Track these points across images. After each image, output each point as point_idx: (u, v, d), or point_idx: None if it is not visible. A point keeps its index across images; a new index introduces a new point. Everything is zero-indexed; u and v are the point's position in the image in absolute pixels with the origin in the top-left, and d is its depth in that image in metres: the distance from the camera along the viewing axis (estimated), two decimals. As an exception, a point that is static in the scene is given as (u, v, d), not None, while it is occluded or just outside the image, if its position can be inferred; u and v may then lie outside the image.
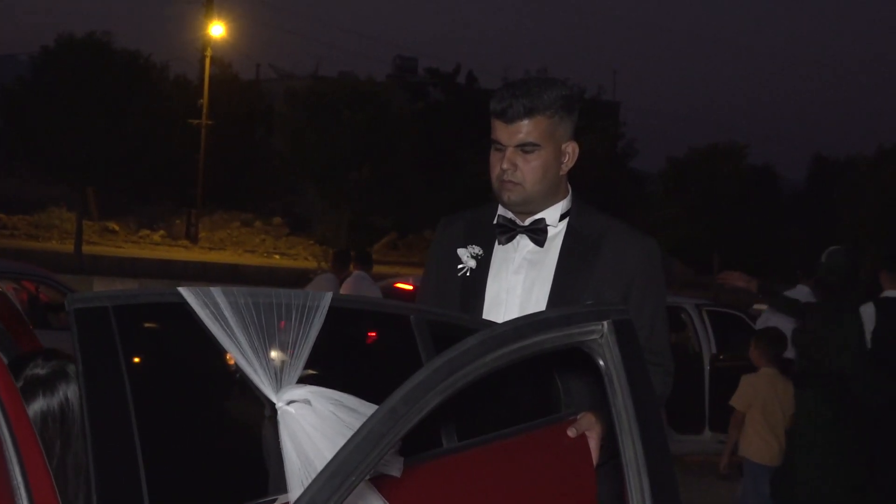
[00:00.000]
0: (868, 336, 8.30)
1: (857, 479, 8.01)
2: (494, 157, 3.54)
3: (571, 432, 3.06)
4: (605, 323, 2.47)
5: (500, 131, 3.50)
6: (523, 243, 3.55)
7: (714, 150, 45.21)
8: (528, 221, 3.56)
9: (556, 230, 3.55)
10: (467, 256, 3.57)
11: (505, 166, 3.48)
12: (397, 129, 39.52)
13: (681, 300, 12.54)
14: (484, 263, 3.56)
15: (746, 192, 43.47)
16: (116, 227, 48.09)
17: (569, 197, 3.60)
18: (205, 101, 46.87)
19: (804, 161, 59.18)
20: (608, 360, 2.47)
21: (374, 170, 38.57)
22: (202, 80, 48.67)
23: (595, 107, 48.40)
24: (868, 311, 8.47)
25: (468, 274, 3.56)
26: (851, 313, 8.09)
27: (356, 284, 12.65)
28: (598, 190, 39.47)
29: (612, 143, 48.18)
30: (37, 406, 2.70)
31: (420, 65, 69.90)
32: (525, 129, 3.45)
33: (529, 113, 3.44)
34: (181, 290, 2.46)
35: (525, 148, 3.46)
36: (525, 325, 2.37)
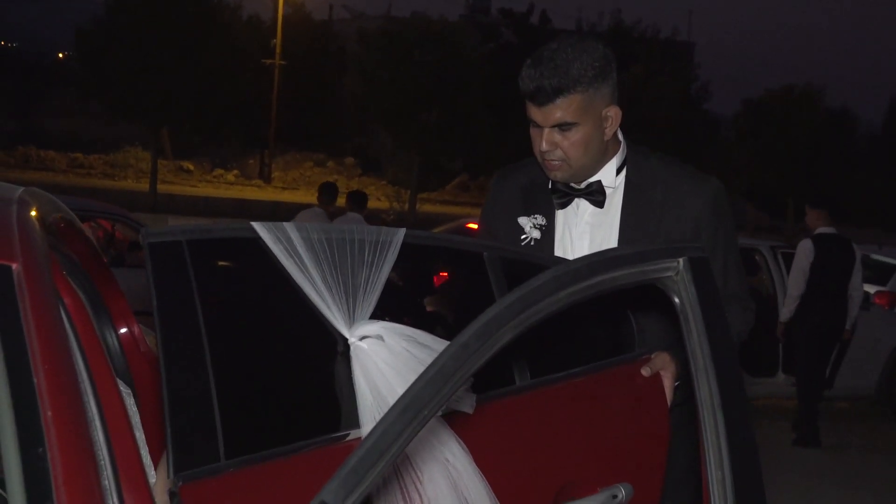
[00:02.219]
0: (807, 267, 10.18)
1: None
2: (534, 132, 3.39)
3: (645, 371, 3.02)
4: (680, 260, 2.42)
5: (534, 113, 3.35)
6: (583, 206, 3.47)
7: (790, 92, 44.41)
8: (584, 185, 3.45)
9: (615, 187, 3.45)
10: (530, 226, 3.49)
11: (544, 147, 3.35)
12: (469, 70, 39.27)
13: (755, 242, 12.41)
14: (549, 232, 3.48)
15: (822, 135, 42.77)
16: (191, 167, 48.60)
17: (621, 149, 3.48)
18: (277, 41, 47.03)
19: (884, 103, 58.01)
20: (683, 297, 2.41)
21: (445, 111, 38.39)
22: (275, 19, 48.84)
23: (669, 48, 47.84)
24: (806, 246, 10.30)
25: (532, 243, 3.48)
26: None
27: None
28: (670, 132, 39.14)
29: (685, 84, 47.59)
30: None
31: (493, 5, 69.62)
32: (559, 110, 3.29)
33: (559, 93, 3.26)
34: (255, 224, 2.45)
35: (562, 127, 3.32)
36: (598, 262, 2.32)
